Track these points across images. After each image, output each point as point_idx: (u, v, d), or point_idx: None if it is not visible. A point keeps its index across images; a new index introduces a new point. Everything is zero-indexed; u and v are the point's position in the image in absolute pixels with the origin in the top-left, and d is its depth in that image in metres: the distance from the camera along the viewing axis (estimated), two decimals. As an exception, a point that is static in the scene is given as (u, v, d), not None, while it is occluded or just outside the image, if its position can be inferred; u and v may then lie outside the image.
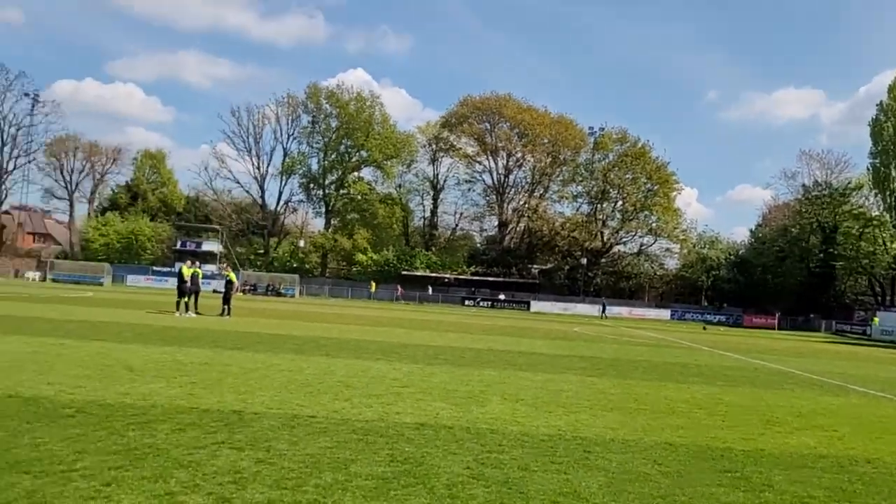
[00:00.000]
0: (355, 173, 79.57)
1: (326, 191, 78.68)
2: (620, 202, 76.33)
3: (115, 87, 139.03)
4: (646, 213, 75.13)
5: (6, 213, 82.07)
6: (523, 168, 79.22)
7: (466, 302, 65.19)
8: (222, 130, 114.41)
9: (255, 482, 5.06)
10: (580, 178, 77.71)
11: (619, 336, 29.98)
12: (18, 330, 15.19)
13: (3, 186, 75.27)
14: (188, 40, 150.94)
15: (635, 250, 78.02)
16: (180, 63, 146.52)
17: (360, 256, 73.38)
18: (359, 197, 78.84)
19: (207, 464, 5.46)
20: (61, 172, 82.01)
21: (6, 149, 74.40)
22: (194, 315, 23.34)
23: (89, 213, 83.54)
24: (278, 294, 59.99)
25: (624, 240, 78.27)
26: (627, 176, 74.79)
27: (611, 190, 75.57)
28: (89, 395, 8.02)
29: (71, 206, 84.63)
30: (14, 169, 75.75)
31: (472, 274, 72.51)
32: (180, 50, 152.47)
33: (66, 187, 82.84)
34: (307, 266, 74.50)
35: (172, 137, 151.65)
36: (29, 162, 77.03)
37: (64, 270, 63.68)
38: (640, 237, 77.55)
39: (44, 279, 62.39)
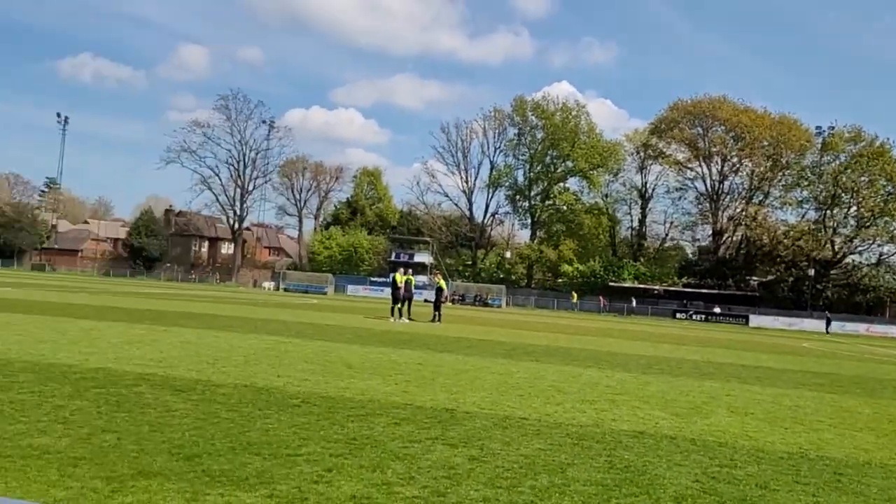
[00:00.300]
0: (561, 184, 79.27)
1: (532, 202, 79.03)
2: (854, 207, 68.66)
3: (338, 113, 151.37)
4: (886, 219, 67.00)
5: (247, 229, 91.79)
6: (740, 173, 74.22)
7: (678, 314, 62.17)
8: (433, 146, 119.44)
9: (470, 479, 4.93)
10: (806, 183, 71.17)
11: (857, 353, 26.81)
12: (255, 330, 16.65)
13: (245, 205, 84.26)
14: (401, 65, 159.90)
15: (873, 260, 69.85)
16: (395, 87, 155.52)
17: (566, 267, 72.74)
18: (564, 207, 78.44)
19: (422, 458, 5.43)
20: (292, 191, 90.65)
21: (247, 171, 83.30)
22: (407, 321, 24.24)
23: (315, 228, 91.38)
24: (485, 304, 61.06)
25: (859, 249, 70.37)
26: (863, 178, 67.22)
27: (843, 194, 68.30)
28: (313, 388, 8.44)
29: (300, 221, 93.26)
30: (254, 189, 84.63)
31: (684, 286, 69.09)
32: (394, 75, 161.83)
33: (296, 204, 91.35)
34: (513, 277, 75.20)
35: (388, 157, 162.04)
36: (266, 182, 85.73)
37: (294, 280, 69.74)
38: (880, 246, 69.26)
39: (277, 288, 68.74)
